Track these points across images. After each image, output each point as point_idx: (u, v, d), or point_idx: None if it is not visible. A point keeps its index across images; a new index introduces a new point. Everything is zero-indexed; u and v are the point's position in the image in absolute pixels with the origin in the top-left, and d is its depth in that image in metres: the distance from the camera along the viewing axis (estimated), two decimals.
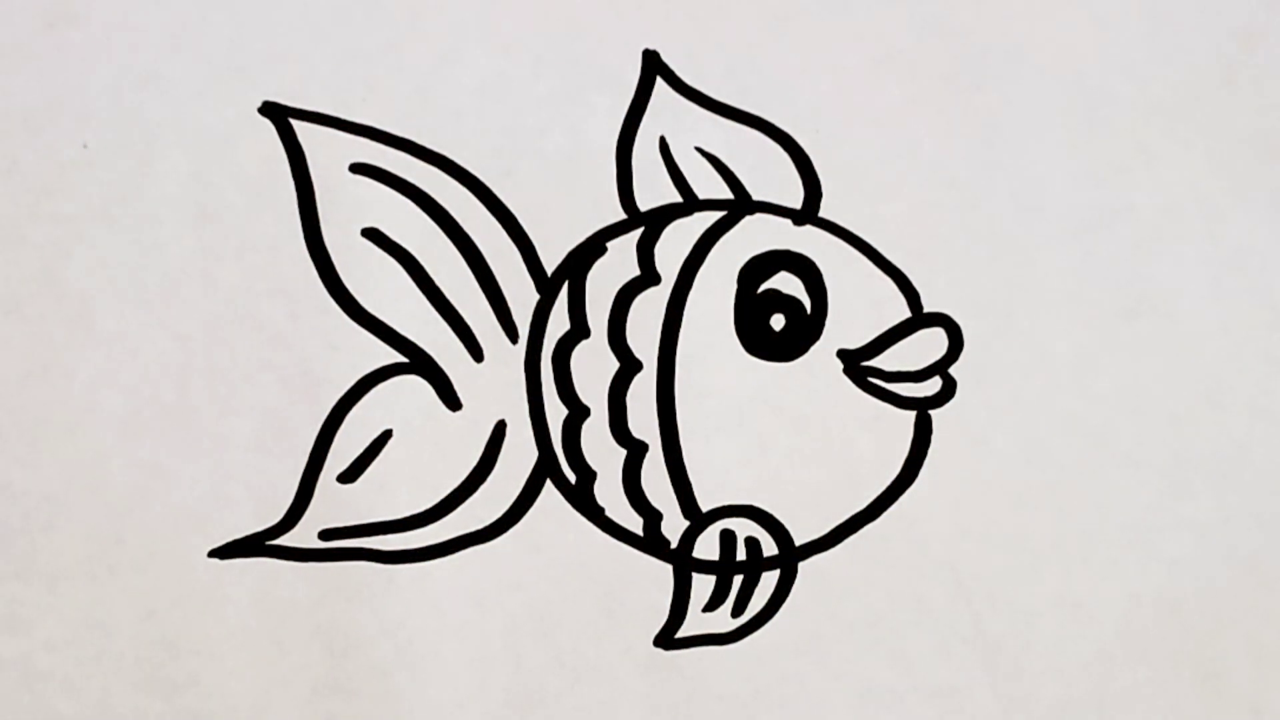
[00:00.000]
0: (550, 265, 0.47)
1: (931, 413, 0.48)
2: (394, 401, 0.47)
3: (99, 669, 0.46)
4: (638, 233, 0.47)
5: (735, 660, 0.48)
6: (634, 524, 0.47)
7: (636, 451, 0.47)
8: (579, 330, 0.47)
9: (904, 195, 0.48)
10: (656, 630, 0.47)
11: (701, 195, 0.47)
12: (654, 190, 0.47)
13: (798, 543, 0.48)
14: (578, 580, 0.47)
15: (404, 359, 0.47)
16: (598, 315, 0.47)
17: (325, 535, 0.47)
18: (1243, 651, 0.48)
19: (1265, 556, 0.48)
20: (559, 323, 0.47)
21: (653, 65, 0.47)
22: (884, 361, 0.48)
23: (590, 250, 0.47)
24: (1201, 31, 0.49)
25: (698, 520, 0.47)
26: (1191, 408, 0.48)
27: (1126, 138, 0.48)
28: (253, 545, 0.46)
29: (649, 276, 0.47)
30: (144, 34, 0.46)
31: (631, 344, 0.47)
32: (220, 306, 0.46)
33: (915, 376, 0.48)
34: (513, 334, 0.47)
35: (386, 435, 0.47)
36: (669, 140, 0.47)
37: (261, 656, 0.46)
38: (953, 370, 0.48)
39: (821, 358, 0.48)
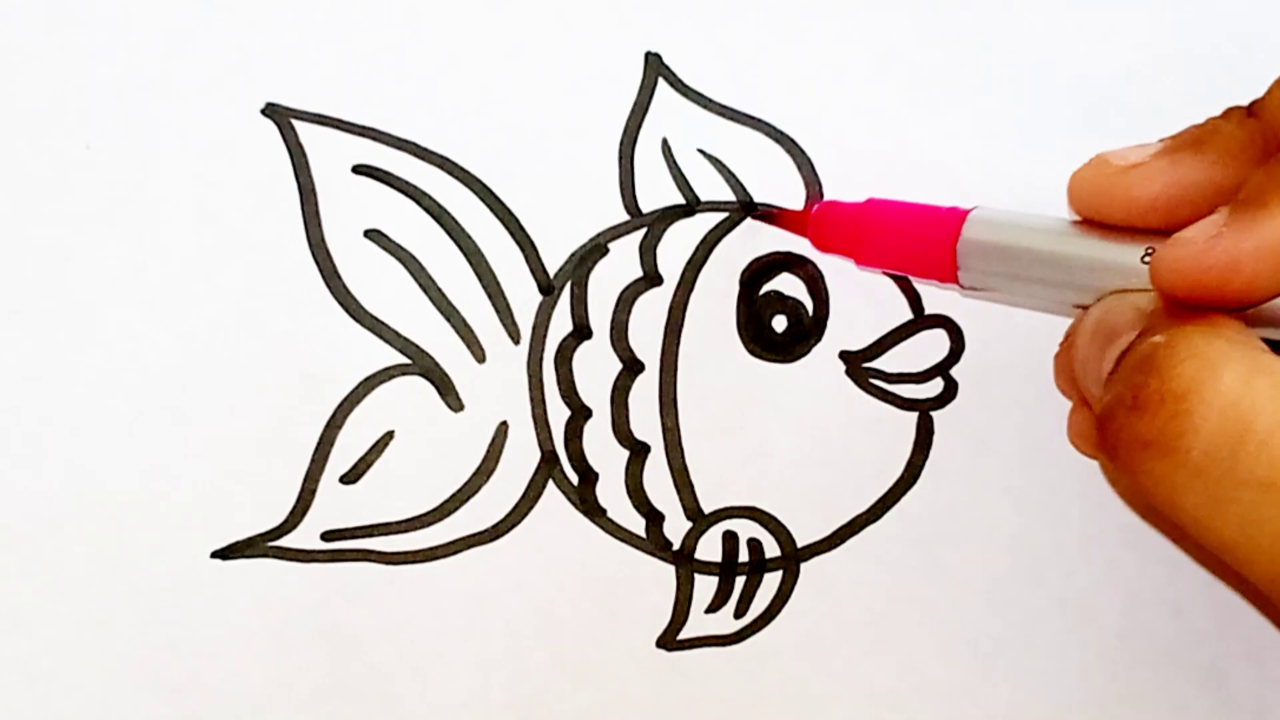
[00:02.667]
0: (553, 266, 0.47)
1: (933, 414, 0.48)
2: (396, 403, 0.47)
3: (99, 669, 0.46)
4: (640, 234, 0.47)
5: (738, 661, 0.48)
6: (636, 525, 0.47)
7: (639, 453, 0.47)
8: (581, 331, 0.47)
9: (904, 195, 0.48)
10: (659, 632, 0.47)
11: (704, 197, 0.47)
12: (656, 192, 0.47)
13: (800, 544, 0.48)
14: (580, 582, 0.47)
15: (406, 360, 0.47)
16: (600, 316, 0.47)
17: (327, 536, 0.47)
18: (1243, 651, 0.48)
19: None
20: (561, 324, 0.47)
21: (655, 67, 0.47)
22: (886, 363, 0.48)
23: (593, 251, 0.47)
24: (1201, 31, 0.49)
25: (700, 521, 0.47)
26: None
27: (1126, 138, 0.48)
28: (254, 546, 0.46)
29: (651, 278, 0.47)
30: (146, 34, 0.46)
31: (634, 345, 0.47)
32: (222, 308, 0.46)
33: (917, 378, 0.48)
34: (515, 335, 0.47)
35: (389, 436, 0.47)
36: (671, 142, 0.47)
37: (263, 657, 0.46)
38: (954, 372, 0.48)
39: (823, 359, 0.48)
